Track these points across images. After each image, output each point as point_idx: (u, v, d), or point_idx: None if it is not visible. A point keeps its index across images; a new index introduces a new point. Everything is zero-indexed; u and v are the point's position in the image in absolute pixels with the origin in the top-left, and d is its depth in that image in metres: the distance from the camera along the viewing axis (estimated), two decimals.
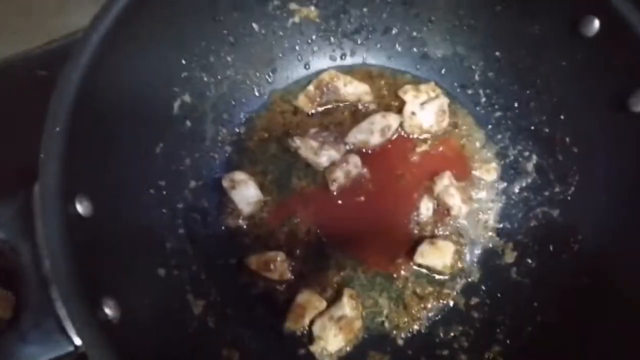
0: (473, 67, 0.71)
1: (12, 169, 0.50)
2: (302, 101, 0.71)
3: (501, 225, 0.68)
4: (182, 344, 0.54)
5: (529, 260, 0.65)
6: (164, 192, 0.60)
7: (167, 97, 0.61)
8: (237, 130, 0.70)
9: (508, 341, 0.60)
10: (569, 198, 0.64)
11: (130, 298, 0.48)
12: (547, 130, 0.67)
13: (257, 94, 0.71)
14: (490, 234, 0.67)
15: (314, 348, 0.60)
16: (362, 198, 0.68)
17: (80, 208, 0.47)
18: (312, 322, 0.61)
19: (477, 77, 0.71)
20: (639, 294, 0.54)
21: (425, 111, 0.70)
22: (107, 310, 0.46)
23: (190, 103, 0.63)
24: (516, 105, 0.69)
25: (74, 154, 0.47)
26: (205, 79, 0.65)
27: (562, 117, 0.65)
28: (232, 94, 0.69)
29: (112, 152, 0.52)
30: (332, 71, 0.71)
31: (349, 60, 0.74)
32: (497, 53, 0.68)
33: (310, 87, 0.71)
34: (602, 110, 0.60)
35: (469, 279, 0.66)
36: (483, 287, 0.65)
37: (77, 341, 0.43)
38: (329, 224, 0.67)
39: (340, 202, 0.67)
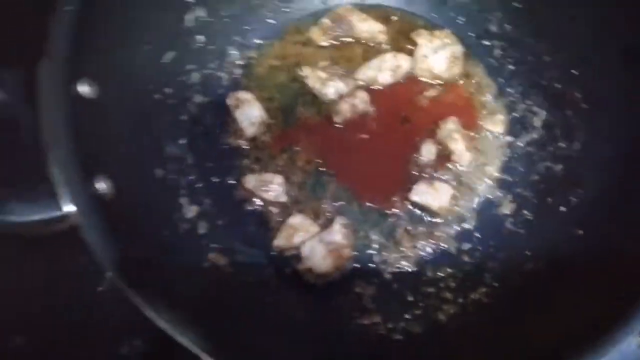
0: (490, 17, 0.71)
1: (23, 39, 0.51)
2: (315, 32, 0.71)
3: (502, 177, 0.67)
4: (171, 240, 0.55)
5: (526, 212, 0.64)
6: (169, 101, 0.61)
7: (181, 7, 0.62)
8: (248, 54, 0.70)
9: (495, 284, 0.60)
10: (573, 154, 0.64)
11: (125, 182, 0.50)
12: (558, 85, 0.66)
13: (272, 21, 0.72)
14: (490, 183, 0.67)
15: (301, 267, 0.61)
16: (365, 135, 0.68)
17: (84, 89, 0.49)
18: (301, 244, 0.62)
19: (493, 28, 0.71)
20: (632, 245, 0.54)
21: (438, 56, 0.69)
22: (100, 185, 0.47)
23: (204, 18, 0.64)
24: (530, 59, 0.69)
25: (83, 36, 0.48)
26: None
27: (575, 72, 0.64)
28: (247, 17, 0.69)
29: (121, 43, 0.53)
30: (349, 6, 0.72)
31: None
32: (516, 4, 0.68)
33: (325, 19, 0.71)
34: (616, 66, 0.59)
35: (464, 225, 0.65)
36: (477, 235, 0.65)
37: (66, 208, 0.45)
38: (329, 155, 0.67)
39: (342, 135, 0.68)
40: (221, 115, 0.67)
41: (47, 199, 0.45)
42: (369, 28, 0.71)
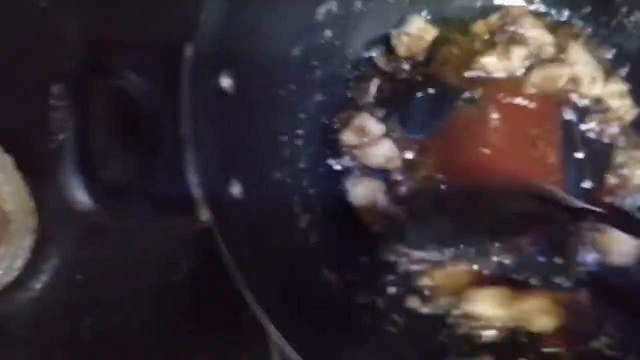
0: None
1: (168, 24, 0.48)
2: (479, 27, 0.65)
3: None
4: (287, 250, 0.52)
5: None
6: (291, 98, 0.58)
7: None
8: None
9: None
10: None
11: (251, 185, 0.46)
12: None
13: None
14: None
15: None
16: None
17: (225, 82, 0.46)
18: None
19: None
20: None
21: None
22: (235, 189, 0.44)
23: (336, 12, 0.60)
24: None
25: (230, 25, 0.45)
26: None
27: None
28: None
29: (259, 34, 0.50)
30: (525, 7, 0.66)
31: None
32: None
33: (495, 16, 0.65)
34: None
35: None
36: None
37: (204, 212, 0.41)
38: None
39: None
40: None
41: (181, 202, 0.41)
42: (538, 37, 0.64)
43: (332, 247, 0.56)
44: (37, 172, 0.58)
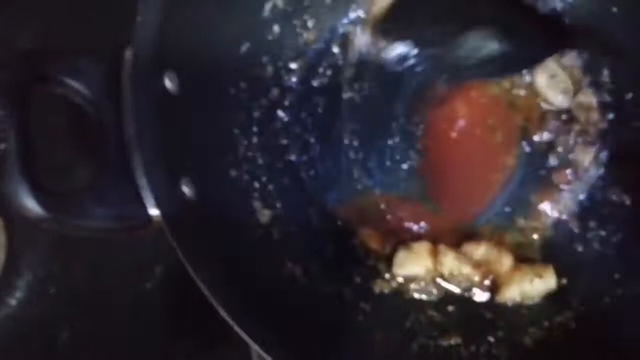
0: None
1: (106, 29, 0.48)
2: None
3: None
4: (248, 247, 0.52)
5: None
6: (243, 95, 0.57)
7: None
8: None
9: (582, 308, 0.56)
10: None
11: (204, 184, 0.47)
12: None
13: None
14: None
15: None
16: None
17: (168, 83, 0.46)
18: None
19: None
20: None
21: None
22: (185, 189, 0.44)
23: (282, 7, 0.60)
24: None
25: (170, 22, 0.45)
26: None
27: None
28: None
29: (203, 31, 0.50)
30: None
31: None
32: None
33: None
34: None
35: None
36: None
37: (152, 212, 0.42)
38: None
39: None
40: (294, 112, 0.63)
41: (132, 204, 0.41)
42: None
43: (296, 240, 0.57)
44: None
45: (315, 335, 0.49)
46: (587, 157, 0.62)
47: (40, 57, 0.42)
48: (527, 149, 0.63)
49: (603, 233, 0.60)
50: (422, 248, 0.57)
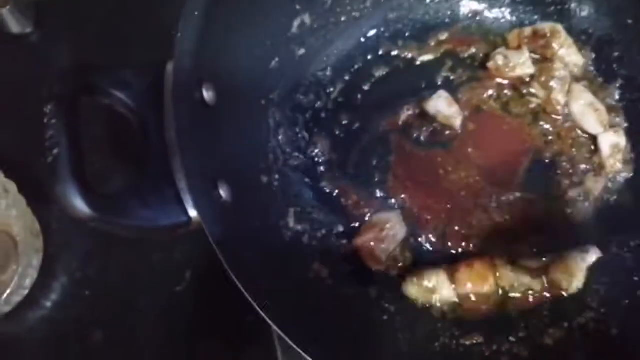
0: None
1: (148, 45, 0.51)
2: (513, 37, 0.68)
3: None
4: (278, 248, 0.54)
5: None
6: (271, 108, 0.61)
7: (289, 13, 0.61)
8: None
9: (602, 310, 0.58)
10: None
11: (239, 189, 0.49)
12: None
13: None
14: None
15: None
16: None
17: (206, 95, 0.49)
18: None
19: None
20: None
21: None
22: (222, 192, 0.47)
23: (309, 25, 0.64)
24: None
25: (207, 41, 0.48)
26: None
27: None
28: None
29: (237, 49, 0.53)
30: (559, 26, 0.66)
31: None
32: None
33: (528, 30, 0.67)
34: None
35: None
36: None
37: (192, 213, 0.44)
38: None
39: None
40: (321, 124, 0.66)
41: (173, 204, 0.44)
42: (569, 58, 0.66)
43: (323, 243, 0.59)
44: (38, 194, 0.61)
45: (342, 333, 0.51)
46: (599, 186, 0.63)
47: (88, 70, 0.45)
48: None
49: (621, 237, 0.61)
50: (481, 265, 0.58)
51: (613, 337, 0.55)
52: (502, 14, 0.70)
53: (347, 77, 0.67)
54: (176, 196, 0.44)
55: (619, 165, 0.63)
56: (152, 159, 0.45)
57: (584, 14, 0.67)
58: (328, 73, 0.67)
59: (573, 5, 0.67)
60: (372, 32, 0.69)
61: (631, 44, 0.65)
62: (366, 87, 0.67)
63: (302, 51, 0.64)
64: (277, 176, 0.59)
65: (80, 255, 0.68)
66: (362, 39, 0.68)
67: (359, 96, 0.67)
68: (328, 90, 0.66)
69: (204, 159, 0.46)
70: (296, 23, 0.62)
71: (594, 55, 0.67)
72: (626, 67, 0.65)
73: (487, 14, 0.71)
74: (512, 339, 0.56)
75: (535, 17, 0.69)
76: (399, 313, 0.57)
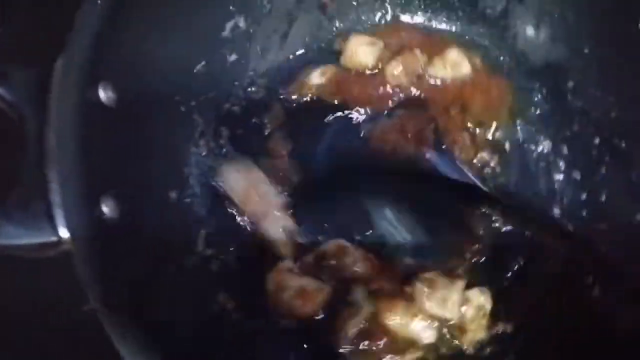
0: None
1: (40, 38, 0.45)
2: None
3: None
4: (177, 275, 0.48)
5: None
6: (193, 116, 0.55)
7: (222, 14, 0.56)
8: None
9: None
10: None
11: (132, 204, 0.43)
12: None
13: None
14: None
15: None
16: None
17: (103, 95, 0.43)
18: None
19: None
20: None
21: None
22: (105, 208, 0.41)
23: (244, 29, 0.58)
24: None
25: (108, 36, 0.42)
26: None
27: None
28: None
29: (151, 44, 0.47)
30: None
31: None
32: None
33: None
34: None
35: None
36: None
37: (63, 233, 0.38)
38: None
39: None
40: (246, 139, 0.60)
41: (42, 221, 0.38)
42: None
43: (234, 274, 0.53)
44: None
45: None
46: None
47: None
48: None
49: None
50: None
51: None
52: None
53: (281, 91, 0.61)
54: (47, 212, 0.38)
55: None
56: (26, 167, 0.39)
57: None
58: (261, 82, 0.61)
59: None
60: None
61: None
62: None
63: (233, 57, 0.59)
64: (190, 192, 0.53)
65: None
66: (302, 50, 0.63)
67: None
68: (259, 101, 0.60)
69: (90, 168, 0.40)
70: (229, 25, 0.57)
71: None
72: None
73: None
74: None
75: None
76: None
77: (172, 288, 0.46)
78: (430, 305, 0.51)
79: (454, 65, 0.61)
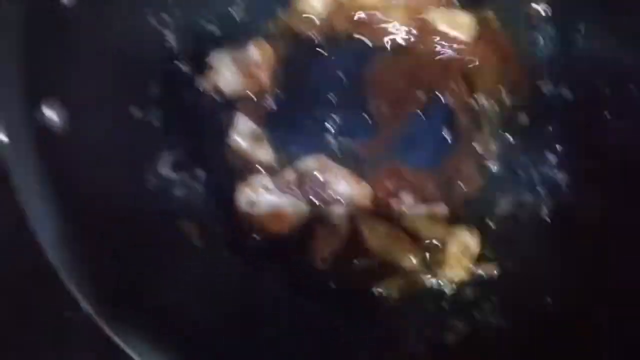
0: None
1: None
2: None
3: None
4: (132, 194, 0.44)
5: None
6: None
7: None
8: None
9: None
10: None
11: (86, 115, 0.39)
12: None
13: None
14: None
15: None
16: None
17: None
18: None
19: None
20: None
21: None
22: (49, 112, 0.37)
23: None
24: None
25: None
26: None
27: None
28: None
29: None
30: None
31: None
32: None
33: None
34: None
35: None
36: None
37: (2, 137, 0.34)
38: None
39: None
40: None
41: None
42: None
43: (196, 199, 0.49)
44: None
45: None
46: None
47: None
48: None
49: None
50: None
51: None
52: None
53: None
54: None
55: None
56: None
57: None
58: None
59: None
60: None
61: None
62: None
63: None
64: (155, 112, 0.48)
65: None
66: None
67: None
68: None
69: (31, 67, 0.36)
70: None
71: None
72: None
73: None
74: None
75: None
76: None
77: (122, 207, 0.42)
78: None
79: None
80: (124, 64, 0.45)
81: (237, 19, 0.55)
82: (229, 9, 0.54)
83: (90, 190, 0.39)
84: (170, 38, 0.51)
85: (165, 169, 0.48)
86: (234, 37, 0.54)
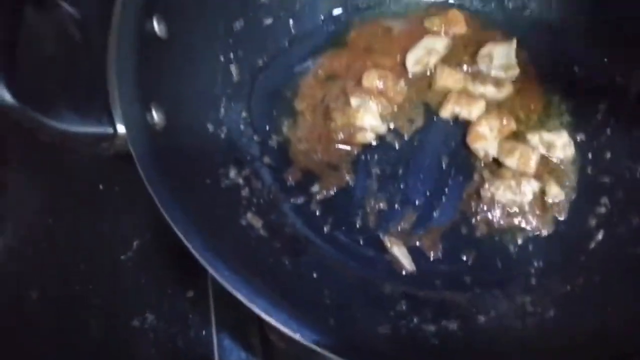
0: None
1: None
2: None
3: None
4: (211, 188, 0.53)
5: None
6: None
7: None
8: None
9: None
10: None
11: (178, 124, 0.50)
12: None
13: None
14: None
15: None
16: None
17: (157, 27, 0.50)
18: None
19: None
20: None
21: None
22: (155, 115, 0.48)
23: None
24: None
25: None
26: None
27: None
28: None
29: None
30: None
31: None
32: None
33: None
34: None
35: None
36: None
37: (120, 128, 0.44)
38: None
39: None
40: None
41: (103, 114, 0.44)
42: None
43: (261, 194, 0.59)
44: None
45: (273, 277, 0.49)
46: None
47: None
48: None
49: None
50: None
51: None
52: None
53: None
54: (106, 107, 0.44)
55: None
56: (91, 66, 0.46)
57: None
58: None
59: None
60: None
61: None
62: None
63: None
64: (225, 129, 0.59)
65: (27, 212, 0.67)
66: None
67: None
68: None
69: (142, 77, 0.47)
70: None
71: None
72: None
73: None
74: None
75: None
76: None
77: (204, 196, 0.51)
78: None
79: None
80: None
81: None
82: None
83: (175, 171, 0.47)
84: None
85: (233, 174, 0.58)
86: None
